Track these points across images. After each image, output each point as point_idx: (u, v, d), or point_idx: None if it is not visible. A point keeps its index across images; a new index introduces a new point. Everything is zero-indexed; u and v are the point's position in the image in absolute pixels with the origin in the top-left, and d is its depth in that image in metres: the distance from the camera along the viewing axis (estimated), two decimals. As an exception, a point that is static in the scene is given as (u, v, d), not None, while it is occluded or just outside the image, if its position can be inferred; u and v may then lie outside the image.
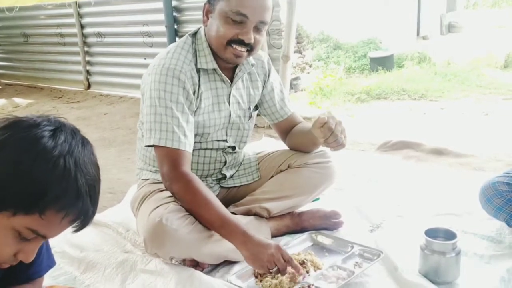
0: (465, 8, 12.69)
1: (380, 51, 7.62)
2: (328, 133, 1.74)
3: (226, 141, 2.02)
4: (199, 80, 1.87)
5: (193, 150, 1.95)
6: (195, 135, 1.91)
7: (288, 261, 1.61)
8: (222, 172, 2.08)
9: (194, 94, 1.85)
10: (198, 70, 1.87)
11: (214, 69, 1.89)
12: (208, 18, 1.84)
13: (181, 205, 1.80)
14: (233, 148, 2.06)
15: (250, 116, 2.08)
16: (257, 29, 1.79)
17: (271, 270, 1.60)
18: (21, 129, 0.99)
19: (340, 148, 1.81)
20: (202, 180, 1.98)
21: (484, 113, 4.51)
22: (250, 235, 1.65)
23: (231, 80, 1.96)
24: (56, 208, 0.98)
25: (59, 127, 1.02)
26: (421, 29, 10.16)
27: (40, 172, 0.96)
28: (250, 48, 1.82)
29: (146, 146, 1.84)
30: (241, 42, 1.79)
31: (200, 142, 1.96)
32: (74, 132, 1.05)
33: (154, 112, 1.79)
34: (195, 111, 1.88)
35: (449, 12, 11.39)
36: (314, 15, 7.23)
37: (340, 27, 7.86)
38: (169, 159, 1.76)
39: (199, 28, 1.94)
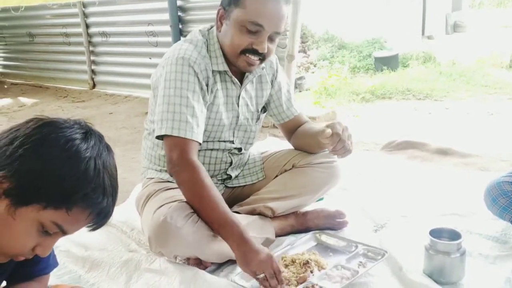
0: (470, 8, 12.64)
1: (385, 51, 7.61)
2: (336, 139, 1.74)
3: (232, 142, 2.02)
4: (214, 77, 1.87)
5: (200, 150, 1.94)
6: (203, 133, 1.90)
7: (276, 272, 1.58)
8: (228, 172, 2.08)
9: (207, 88, 1.84)
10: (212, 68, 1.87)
11: (225, 71, 1.89)
12: (222, 24, 1.83)
13: (184, 200, 1.78)
14: (239, 149, 2.06)
15: (258, 118, 2.08)
16: (270, 39, 1.79)
17: (257, 276, 1.58)
18: (57, 129, 1.06)
19: (347, 154, 1.81)
20: None
21: (489, 113, 4.50)
22: (247, 238, 1.64)
23: (241, 82, 1.95)
24: (83, 205, 1.06)
25: (88, 131, 1.10)
26: (426, 28, 10.14)
27: (74, 171, 1.03)
28: (263, 57, 1.82)
29: (157, 137, 1.80)
30: (255, 52, 1.78)
31: (207, 142, 1.95)
32: (101, 137, 1.14)
33: (168, 101, 1.76)
34: (208, 107, 1.87)
35: (454, 11, 11.35)
36: (318, 14, 7.23)
37: (344, 27, 7.85)
38: (180, 147, 1.73)
39: (212, 27, 1.93)
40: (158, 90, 1.84)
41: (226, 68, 1.88)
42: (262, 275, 1.57)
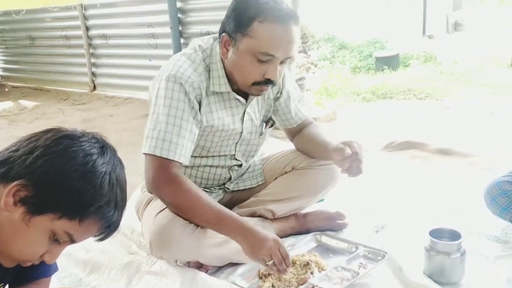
0: (473, 5, 12.61)
1: (386, 51, 7.62)
2: (354, 158, 1.71)
3: (234, 156, 1.97)
4: (208, 97, 1.80)
5: (198, 166, 1.93)
6: (202, 149, 1.88)
7: (285, 257, 1.58)
8: (226, 185, 2.06)
9: (200, 106, 1.78)
10: (208, 87, 1.79)
11: (228, 92, 1.83)
12: (227, 50, 1.74)
13: (173, 211, 1.76)
14: (240, 165, 2.02)
15: (261, 133, 2.02)
16: (281, 62, 1.72)
17: (267, 263, 1.58)
18: (76, 142, 1.10)
19: (359, 174, 1.77)
20: (205, 189, 1.96)
21: (491, 113, 4.49)
22: (248, 227, 1.63)
23: (246, 97, 1.88)
24: (96, 218, 1.10)
25: (104, 146, 1.14)
26: (427, 28, 10.14)
27: (90, 185, 1.07)
28: (273, 84, 1.78)
29: (143, 153, 1.76)
30: (268, 82, 1.73)
31: (207, 157, 1.92)
32: (115, 151, 1.17)
33: (156, 119, 1.72)
34: (205, 128, 1.82)
35: (455, 10, 11.34)
36: (319, 14, 7.23)
37: (345, 27, 7.86)
38: (159, 165, 1.69)
39: (214, 40, 1.83)
40: (150, 103, 1.80)
41: (228, 89, 1.81)
42: (271, 262, 1.57)
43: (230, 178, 2.04)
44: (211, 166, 1.95)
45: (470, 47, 8.40)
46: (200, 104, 1.78)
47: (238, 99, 1.86)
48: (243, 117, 1.91)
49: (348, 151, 1.71)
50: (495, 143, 3.35)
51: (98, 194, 1.08)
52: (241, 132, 1.92)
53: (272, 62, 1.68)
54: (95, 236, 1.15)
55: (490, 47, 7.95)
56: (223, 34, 1.73)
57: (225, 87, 1.80)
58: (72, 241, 1.12)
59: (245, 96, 1.88)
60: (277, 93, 2.01)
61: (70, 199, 1.06)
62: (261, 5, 1.66)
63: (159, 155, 1.69)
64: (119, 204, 1.14)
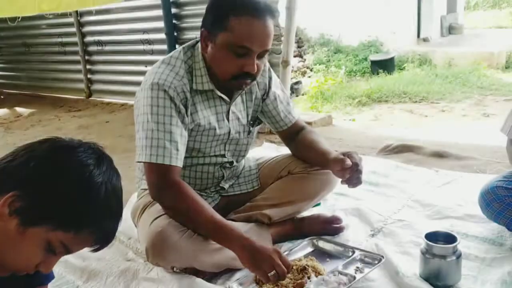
0: (465, 9, 12.69)
1: (381, 54, 7.64)
2: (354, 169, 1.75)
3: (224, 155, 1.99)
4: (193, 98, 1.83)
5: (190, 166, 1.94)
6: (192, 150, 1.90)
7: (288, 266, 1.57)
8: (221, 185, 2.07)
9: (186, 109, 1.80)
10: (192, 87, 1.82)
11: (211, 90, 1.86)
12: (207, 46, 1.78)
13: (173, 217, 1.77)
14: (231, 162, 2.04)
15: (249, 132, 2.04)
16: (259, 56, 1.75)
17: (269, 274, 1.56)
18: (73, 153, 1.10)
19: (359, 185, 1.81)
20: (201, 192, 1.97)
21: (485, 115, 4.52)
22: (247, 238, 1.63)
23: (230, 96, 1.91)
24: (91, 229, 1.09)
25: (101, 156, 1.14)
26: (422, 31, 10.17)
27: (86, 196, 1.07)
28: (253, 77, 1.80)
29: (137, 162, 1.80)
30: (246, 75, 1.76)
31: (198, 157, 1.94)
32: (111, 161, 1.16)
33: (146, 128, 1.74)
34: (192, 129, 1.84)
35: (449, 13, 11.39)
36: (314, 19, 7.25)
37: (340, 31, 7.88)
38: (159, 172, 1.72)
39: (197, 42, 1.87)
40: (138, 113, 1.82)
41: (211, 87, 1.83)
42: (273, 273, 1.55)
43: (223, 177, 2.05)
44: (202, 164, 1.96)
45: (465, 49, 8.44)
46: (186, 107, 1.80)
47: (222, 98, 1.88)
48: (228, 116, 1.93)
49: (349, 162, 1.74)
50: (490, 145, 3.36)
51: (94, 205, 1.08)
52: (229, 132, 1.94)
53: (249, 55, 1.72)
54: (90, 246, 1.15)
55: (485, 49, 7.98)
56: (202, 29, 1.77)
57: (208, 85, 1.83)
58: (68, 251, 1.12)
59: (230, 95, 1.89)
60: (264, 94, 2.03)
61: (66, 210, 1.05)
62: (237, 0, 1.71)
63: (155, 162, 1.71)
64: (115, 214, 1.14)
